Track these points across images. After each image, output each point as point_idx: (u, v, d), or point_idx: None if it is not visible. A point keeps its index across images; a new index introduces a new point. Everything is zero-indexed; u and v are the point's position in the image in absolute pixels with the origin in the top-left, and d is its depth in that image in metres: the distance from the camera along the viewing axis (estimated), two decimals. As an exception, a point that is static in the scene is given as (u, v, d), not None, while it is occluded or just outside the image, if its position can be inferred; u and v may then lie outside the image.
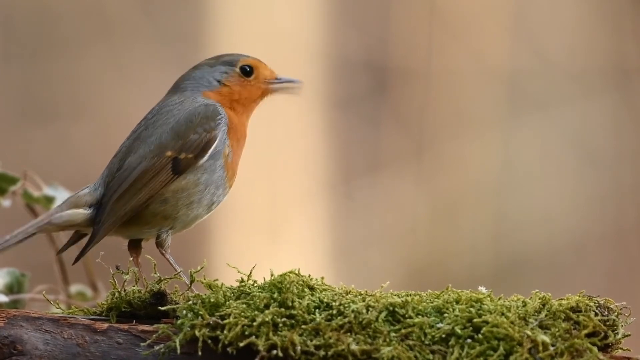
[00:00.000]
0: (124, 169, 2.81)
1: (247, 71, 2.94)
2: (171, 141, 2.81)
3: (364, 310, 2.58)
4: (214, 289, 2.63)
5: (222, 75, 2.93)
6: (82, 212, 2.83)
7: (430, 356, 2.54)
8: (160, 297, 2.65)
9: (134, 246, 2.89)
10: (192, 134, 2.82)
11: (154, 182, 2.79)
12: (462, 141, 6.66)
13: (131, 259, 2.85)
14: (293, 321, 2.57)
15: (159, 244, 2.84)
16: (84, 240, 2.88)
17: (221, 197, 2.86)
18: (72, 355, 2.60)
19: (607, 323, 2.58)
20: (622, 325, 2.59)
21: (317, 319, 2.57)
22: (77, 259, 2.84)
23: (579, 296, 2.61)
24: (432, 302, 2.61)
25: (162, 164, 2.80)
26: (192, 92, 2.91)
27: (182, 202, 2.81)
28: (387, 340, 2.55)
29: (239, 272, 2.67)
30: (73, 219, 2.82)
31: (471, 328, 2.56)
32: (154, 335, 2.61)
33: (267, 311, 2.57)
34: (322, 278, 2.67)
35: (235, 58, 2.95)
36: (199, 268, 2.68)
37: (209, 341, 2.57)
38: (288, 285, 2.60)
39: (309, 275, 2.65)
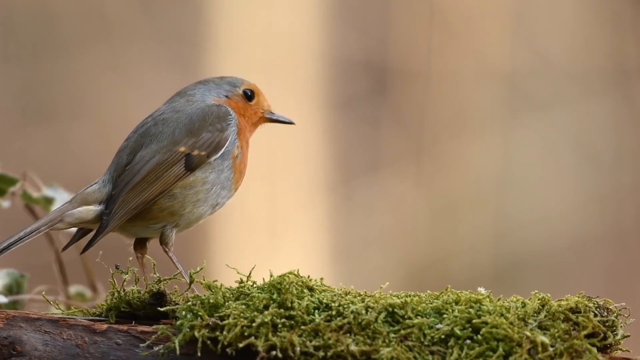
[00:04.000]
0: (135, 162, 2.84)
1: (249, 95, 3.01)
2: (184, 137, 2.85)
3: (364, 311, 2.57)
4: (213, 290, 2.63)
5: (228, 92, 2.98)
6: (93, 209, 2.84)
7: (430, 357, 2.54)
8: (159, 297, 2.65)
9: (140, 246, 2.90)
10: (204, 132, 2.86)
11: (167, 176, 2.82)
12: (462, 141, 6.66)
13: (130, 259, 2.85)
14: (292, 322, 2.57)
15: (163, 242, 2.86)
16: (85, 240, 2.89)
17: (225, 199, 2.89)
18: (71, 356, 2.60)
19: (607, 324, 2.58)
20: (621, 326, 2.59)
21: (317, 320, 2.57)
22: (84, 250, 2.85)
23: (579, 297, 2.61)
24: (431, 303, 2.61)
25: (175, 159, 2.84)
26: (202, 97, 2.96)
27: (189, 199, 2.84)
28: (387, 341, 2.55)
29: (238, 272, 2.67)
30: (84, 216, 2.84)
31: (470, 329, 2.56)
32: (154, 336, 2.61)
33: (266, 312, 2.57)
34: (322, 279, 2.67)
35: (238, 81, 3.03)
36: (198, 269, 2.68)
37: (208, 342, 2.57)
38: (287, 286, 2.60)
39: (308, 276, 2.65)
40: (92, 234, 2.87)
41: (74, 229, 2.92)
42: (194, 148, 2.85)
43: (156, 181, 2.83)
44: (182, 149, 2.85)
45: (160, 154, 2.84)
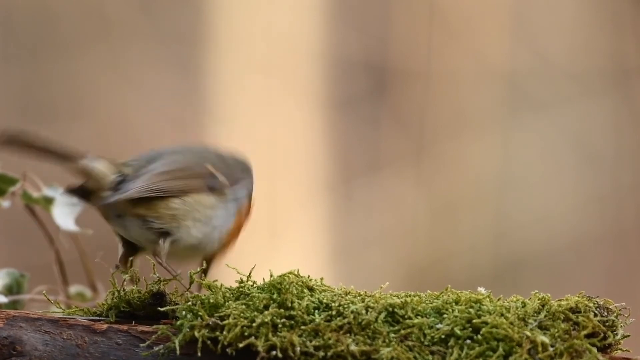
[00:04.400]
0: (166, 159, 2.82)
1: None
2: (212, 161, 2.85)
3: (364, 311, 2.57)
4: (213, 290, 2.63)
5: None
6: (114, 170, 2.79)
7: (430, 357, 2.54)
8: (159, 297, 2.65)
9: (124, 261, 2.85)
10: (233, 168, 2.86)
11: (191, 181, 2.80)
12: (462, 141, 6.66)
13: (131, 258, 2.83)
14: (292, 322, 2.57)
15: (156, 252, 2.81)
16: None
17: (210, 244, 2.86)
18: (71, 356, 2.60)
19: (607, 324, 2.57)
20: (621, 326, 2.59)
21: (317, 320, 2.57)
22: (96, 205, 2.80)
23: (579, 297, 2.61)
24: (431, 303, 2.60)
25: (202, 172, 2.82)
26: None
27: (193, 214, 2.80)
28: (387, 341, 2.55)
29: (238, 272, 2.67)
30: (104, 169, 2.77)
31: (470, 329, 2.55)
32: (154, 336, 2.61)
33: (266, 312, 2.57)
34: (322, 279, 2.67)
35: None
36: (198, 269, 2.68)
37: (209, 342, 2.57)
38: (287, 286, 2.60)
39: (309, 276, 2.65)
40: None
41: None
42: (219, 171, 2.85)
43: (182, 179, 2.80)
44: (210, 167, 2.84)
45: (190, 162, 2.84)
